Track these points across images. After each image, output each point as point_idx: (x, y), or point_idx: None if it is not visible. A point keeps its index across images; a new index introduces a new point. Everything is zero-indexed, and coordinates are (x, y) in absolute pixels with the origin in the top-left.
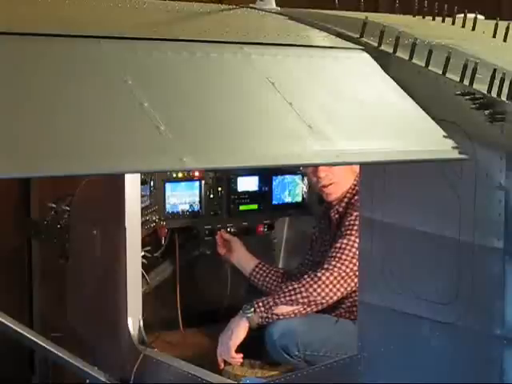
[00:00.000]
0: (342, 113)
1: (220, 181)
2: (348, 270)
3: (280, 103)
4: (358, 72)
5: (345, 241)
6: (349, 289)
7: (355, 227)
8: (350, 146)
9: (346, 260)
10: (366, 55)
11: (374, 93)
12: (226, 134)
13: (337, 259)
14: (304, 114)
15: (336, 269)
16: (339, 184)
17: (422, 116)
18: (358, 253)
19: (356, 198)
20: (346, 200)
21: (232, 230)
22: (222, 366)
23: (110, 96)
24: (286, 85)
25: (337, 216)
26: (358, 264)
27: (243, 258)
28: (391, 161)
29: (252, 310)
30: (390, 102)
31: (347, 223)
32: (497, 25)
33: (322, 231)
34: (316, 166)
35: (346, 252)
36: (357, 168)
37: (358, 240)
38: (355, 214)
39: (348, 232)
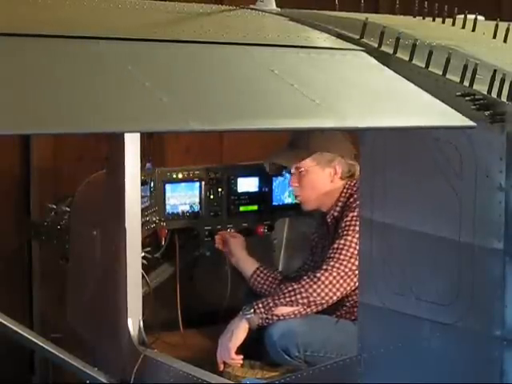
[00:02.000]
0: (345, 92)
1: (220, 182)
2: (347, 270)
3: (282, 84)
4: (359, 63)
5: (342, 241)
6: (348, 288)
7: (351, 227)
8: (355, 113)
9: (344, 260)
10: (366, 55)
11: (378, 79)
12: (230, 105)
13: (335, 260)
14: (307, 91)
15: (335, 269)
16: (311, 193)
17: (427, 96)
18: (355, 252)
19: (351, 200)
20: (340, 204)
21: (232, 230)
22: (222, 367)
23: (111, 77)
24: (287, 72)
25: (333, 221)
26: (356, 263)
27: (243, 262)
28: (397, 127)
29: (252, 311)
30: (395, 86)
31: (343, 225)
32: (497, 26)
33: (321, 237)
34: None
35: (344, 252)
36: (337, 176)
37: (354, 240)
38: (351, 214)
39: (345, 233)
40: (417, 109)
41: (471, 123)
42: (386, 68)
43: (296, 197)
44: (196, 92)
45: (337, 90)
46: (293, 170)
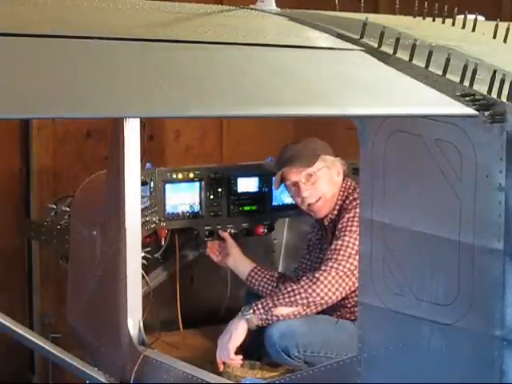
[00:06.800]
0: (345, 86)
1: (220, 182)
2: (346, 270)
3: (279, 76)
4: (359, 61)
5: (339, 242)
6: (347, 288)
7: (348, 228)
8: (355, 102)
9: (342, 260)
10: (366, 55)
11: (378, 73)
12: (228, 92)
13: (333, 260)
14: (305, 84)
15: (333, 269)
16: (325, 196)
17: (428, 88)
18: (353, 253)
19: (347, 202)
20: (337, 207)
21: (232, 230)
22: (222, 367)
23: (110, 65)
24: (285, 68)
25: (330, 224)
26: (355, 264)
27: (240, 263)
28: (398, 114)
29: (251, 311)
30: (396, 80)
31: (340, 226)
32: (497, 26)
33: (318, 238)
34: (298, 186)
35: (342, 252)
36: (339, 178)
37: (352, 240)
38: (347, 216)
39: (342, 234)
40: (417, 100)
41: (473, 112)
42: (386, 66)
43: (309, 205)
44: (196, 82)
45: (337, 83)
46: (301, 180)
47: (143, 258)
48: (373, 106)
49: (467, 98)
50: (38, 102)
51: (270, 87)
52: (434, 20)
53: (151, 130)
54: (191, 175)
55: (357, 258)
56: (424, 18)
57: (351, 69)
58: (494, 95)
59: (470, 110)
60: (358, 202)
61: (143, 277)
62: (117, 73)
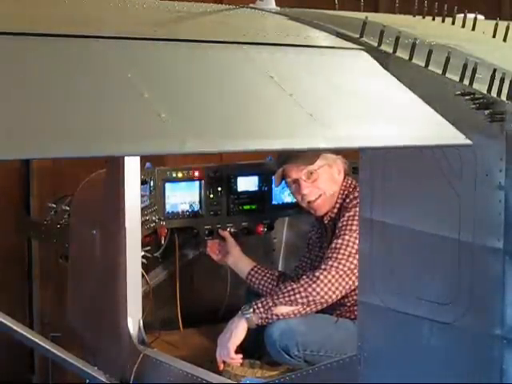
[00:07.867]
0: (343, 104)
1: (220, 181)
2: (345, 269)
3: (279, 94)
4: (358, 68)
5: (339, 241)
6: (347, 287)
7: (348, 227)
8: (352, 132)
9: (342, 259)
10: (365, 55)
11: (376, 86)
12: (227, 121)
13: (333, 259)
14: (304, 103)
15: (333, 268)
16: (326, 194)
17: (424, 107)
18: (353, 251)
19: (347, 200)
20: (337, 206)
21: (232, 229)
22: (222, 367)
23: (110, 87)
24: (286, 79)
25: (330, 222)
26: (355, 262)
27: (240, 261)
28: (394, 146)
29: (251, 310)
30: (392, 95)
31: (340, 225)
32: (497, 25)
33: (318, 236)
34: (301, 189)
35: (342, 251)
36: (340, 176)
37: (352, 239)
38: (347, 214)
39: (342, 232)
40: (412, 124)
41: (467, 141)
42: (384, 72)
43: (310, 203)
44: (194, 106)
45: (335, 100)
46: (301, 178)
47: (143, 257)
48: (370, 134)
49: (467, 97)
50: (23, 142)
51: (268, 111)
52: (433, 19)
53: None
54: (191, 174)
55: (357, 256)
56: (424, 17)
57: (350, 80)
58: (493, 94)
59: (467, 140)
60: (359, 200)
61: (143, 276)
62: (112, 90)
